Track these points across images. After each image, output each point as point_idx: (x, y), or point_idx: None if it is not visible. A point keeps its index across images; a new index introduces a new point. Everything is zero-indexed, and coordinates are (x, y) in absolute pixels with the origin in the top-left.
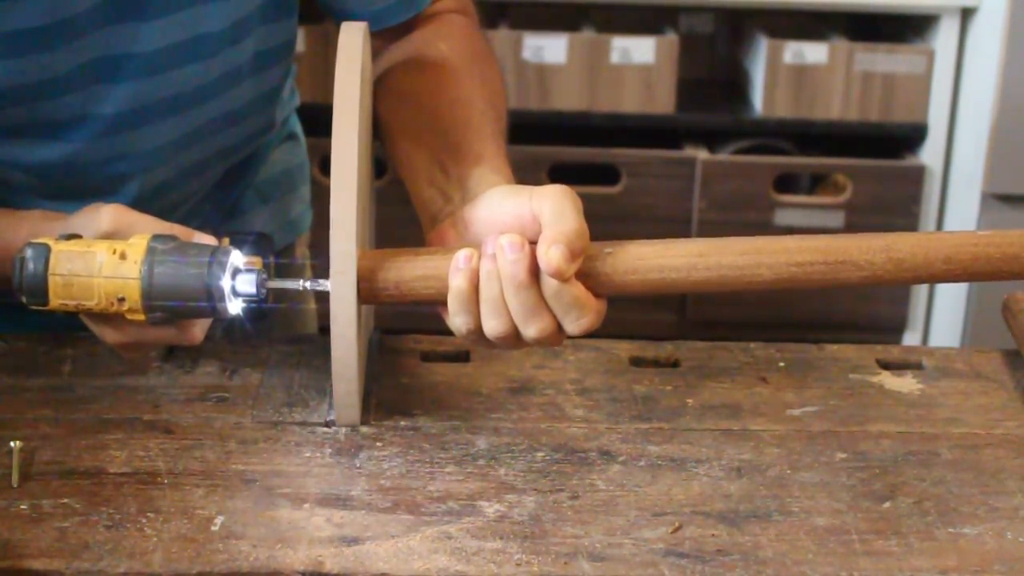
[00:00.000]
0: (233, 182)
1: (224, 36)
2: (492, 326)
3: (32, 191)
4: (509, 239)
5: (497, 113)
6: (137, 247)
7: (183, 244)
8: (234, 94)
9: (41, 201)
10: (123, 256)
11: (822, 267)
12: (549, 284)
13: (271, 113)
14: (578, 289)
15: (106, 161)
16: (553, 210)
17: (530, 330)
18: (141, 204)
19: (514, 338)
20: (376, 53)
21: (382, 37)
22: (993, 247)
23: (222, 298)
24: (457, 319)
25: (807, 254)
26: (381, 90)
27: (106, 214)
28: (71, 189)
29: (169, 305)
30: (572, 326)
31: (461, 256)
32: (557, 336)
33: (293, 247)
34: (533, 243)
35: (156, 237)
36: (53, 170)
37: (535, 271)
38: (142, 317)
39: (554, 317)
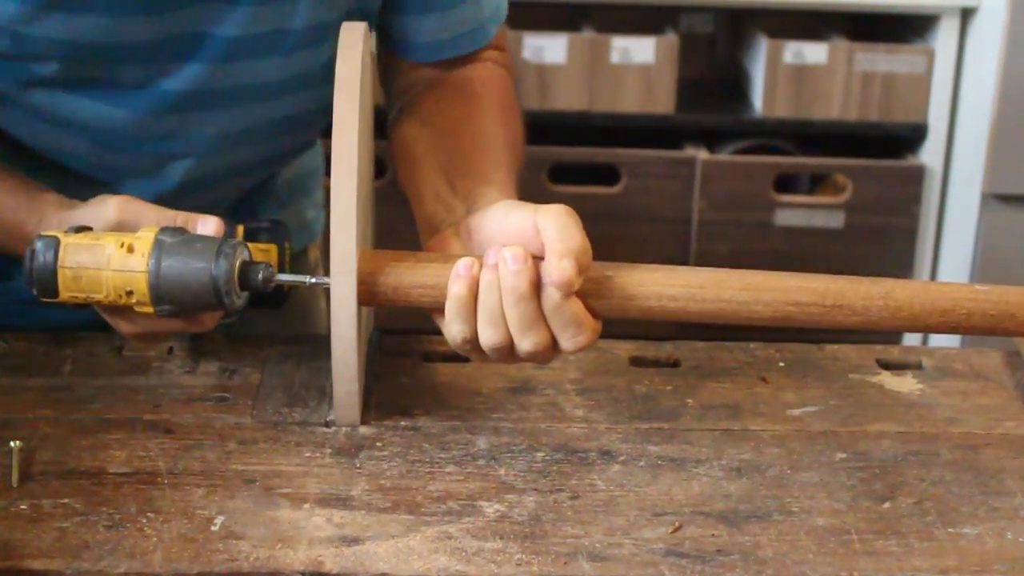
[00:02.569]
0: (254, 189)
1: (305, 35)
2: (488, 336)
3: (87, 161)
4: (512, 251)
5: (515, 156)
6: (144, 240)
7: (190, 237)
8: (301, 99)
9: (92, 173)
10: (130, 249)
11: (819, 309)
12: (550, 298)
13: (319, 129)
14: (578, 306)
15: (162, 138)
16: (557, 227)
17: (525, 343)
18: (180, 196)
19: (508, 350)
20: (416, 79)
21: (435, 66)
22: (990, 303)
23: (229, 292)
24: (453, 326)
25: (805, 295)
26: (408, 113)
27: (113, 204)
28: (122, 165)
29: (177, 299)
30: (568, 343)
31: (462, 264)
32: (550, 352)
33: (307, 251)
34: (534, 258)
35: (164, 230)
36: (112, 139)
37: (536, 284)
38: (150, 310)
39: (550, 332)
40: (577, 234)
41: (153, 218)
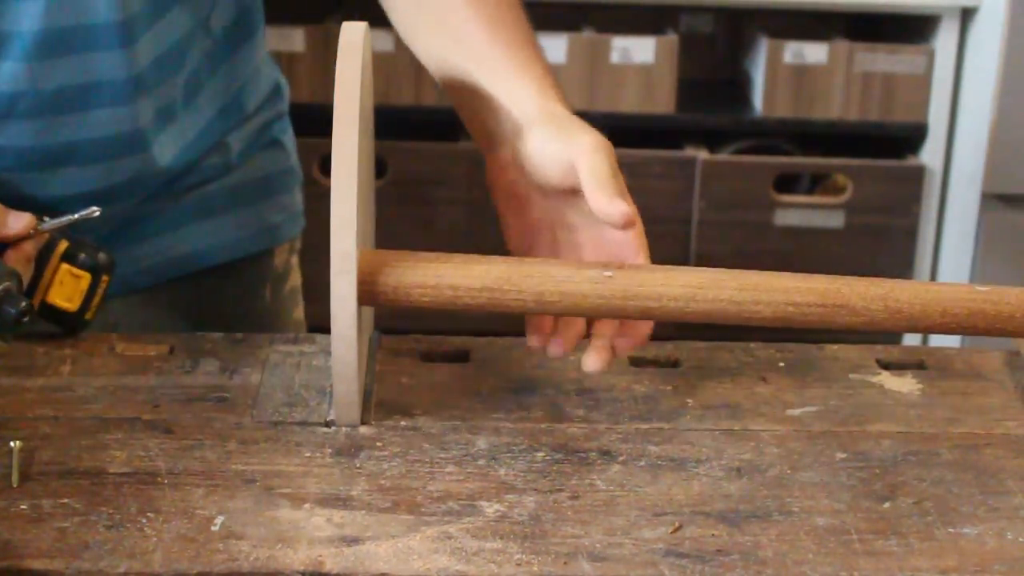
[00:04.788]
0: (207, 182)
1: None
2: None
3: None
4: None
5: (525, 25)
6: None
7: None
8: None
9: None
10: None
11: (819, 309)
12: None
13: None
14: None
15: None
16: (591, 169)
17: None
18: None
19: None
20: None
21: None
22: (990, 304)
23: None
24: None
25: (806, 295)
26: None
27: None
28: None
29: None
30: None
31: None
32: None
33: (271, 254)
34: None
35: None
36: None
37: None
38: None
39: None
40: (607, 170)
41: None
